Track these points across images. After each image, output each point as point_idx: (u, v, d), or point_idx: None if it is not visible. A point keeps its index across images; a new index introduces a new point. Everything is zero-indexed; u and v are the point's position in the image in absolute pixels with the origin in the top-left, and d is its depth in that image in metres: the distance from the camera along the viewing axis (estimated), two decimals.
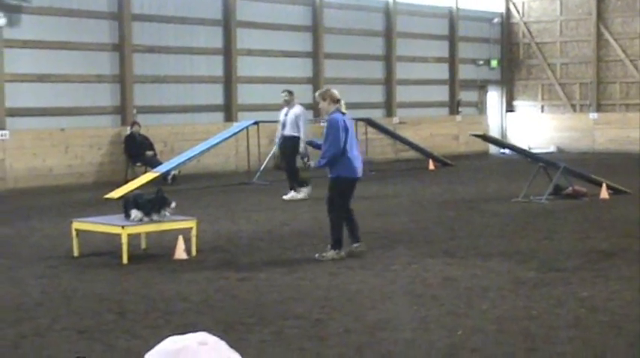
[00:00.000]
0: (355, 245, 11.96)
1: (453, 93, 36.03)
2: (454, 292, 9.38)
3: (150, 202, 11.95)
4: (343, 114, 12.24)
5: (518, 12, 38.27)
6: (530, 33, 37.99)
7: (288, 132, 19.21)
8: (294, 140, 18.84)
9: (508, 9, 38.34)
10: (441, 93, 35.68)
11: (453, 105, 35.98)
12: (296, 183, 18.93)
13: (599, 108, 36.43)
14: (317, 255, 11.62)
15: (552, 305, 8.78)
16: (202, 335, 1.62)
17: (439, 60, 35.53)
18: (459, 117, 35.60)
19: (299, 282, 10.05)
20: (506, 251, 11.98)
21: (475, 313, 8.41)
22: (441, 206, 17.49)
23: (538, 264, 10.96)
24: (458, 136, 33.45)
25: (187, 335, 1.63)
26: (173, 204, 12.73)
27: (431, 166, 26.94)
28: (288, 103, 19.53)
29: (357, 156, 12.03)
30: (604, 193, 18.23)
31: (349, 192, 12.06)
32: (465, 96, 36.60)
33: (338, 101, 12.34)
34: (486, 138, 25.58)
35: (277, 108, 28.05)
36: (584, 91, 36.89)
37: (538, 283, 9.82)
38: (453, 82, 36.02)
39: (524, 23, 38.12)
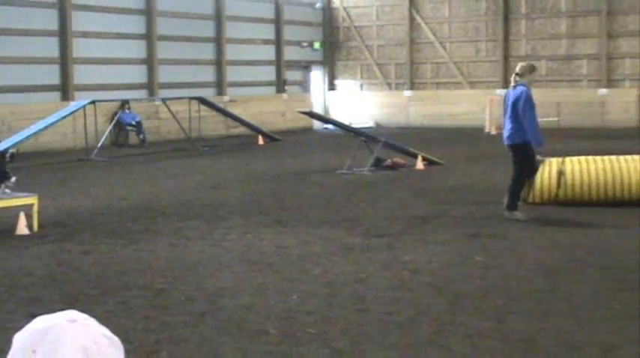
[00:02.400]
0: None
1: (279, 73, 36.16)
2: (287, 259, 9.38)
3: None
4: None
5: None
6: (349, 17, 38.44)
7: None
8: None
9: None
10: (269, 74, 35.76)
11: (280, 84, 36.14)
12: None
13: (413, 86, 37.29)
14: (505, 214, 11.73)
15: (378, 268, 8.91)
16: (71, 313, 1.54)
17: (266, 42, 35.54)
18: (285, 96, 35.77)
19: (140, 254, 9.82)
20: (333, 219, 12.06)
21: (308, 278, 8.45)
22: (271, 179, 17.50)
23: (363, 230, 11.09)
24: (284, 113, 33.57)
25: (56, 314, 1.54)
26: (13, 179, 12.22)
27: (260, 141, 26.96)
28: None
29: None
30: (420, 164, 18.62)
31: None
32: (290, 75, 36.79)
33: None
34: (312, 114, 25.84)
35: (114, 88, 27.67)
36: (399, 71, 37.67)
37: (364, 248, 9.93)
38: (279, 63, 36.13)
39: (344, 8, 38.53)
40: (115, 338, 1.59)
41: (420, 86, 37.32)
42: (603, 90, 33.97)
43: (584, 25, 34.61)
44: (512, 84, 12.06)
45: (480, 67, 36.35)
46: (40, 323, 1.55)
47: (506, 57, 35.74)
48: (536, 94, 34.32)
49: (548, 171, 12.96)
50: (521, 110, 11.54)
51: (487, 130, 30.64)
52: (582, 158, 13.41)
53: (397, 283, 8.22)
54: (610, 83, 34.08)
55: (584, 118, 33.07)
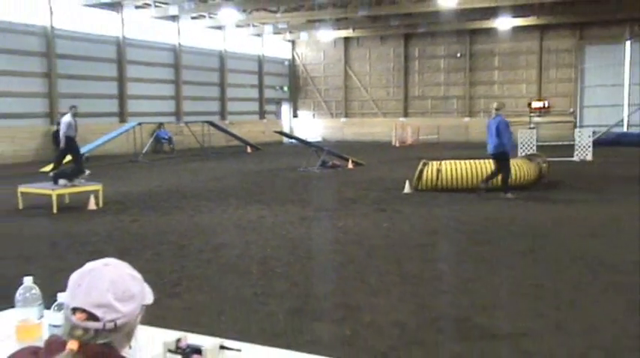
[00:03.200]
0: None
1: (261, 106, 36.09)
2: (265, 225, 9.35)
3: (71, 172, 11.38)
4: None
5: (299, 57, 38.61)
6: (306, 70, 38.42)
7: None
8: None
9: (293, 56, 38.65)
10: (254, 106, 35.67)
11: (261, 113, 36.07)
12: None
13: (347, 115, 37.40)
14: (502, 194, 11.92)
15: (322, 231, 8.92)
16: (107, 259, 1.53)
17: (253, 86, 35.46)
18: (265, 121, 35.69)
19: (169, 221, 9.72)
20: (295, 199, 12.05)
21: (278, 237, 8.41)
22: (255, 174, 17.42)
23: (314, 207, 11.09)
24: (264, 132, 33.44)
25: (97, 260, 1.52)
26: (87, 172, 12.09)
27: (249, 150, 26.80)
28: None
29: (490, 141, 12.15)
30: (350, 165, 18.69)
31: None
32: (268, 108, 36.73)
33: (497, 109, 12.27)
34: (282, 133, 25.73)
35: (154, 115, 27.36)
36: (337, 105, 37.75)
37: (314, 218, 9.93)
38: (261, 99, 36.06)
39: (303, 64, 38.52)
40: (137, 275, 1.56)
41: (351, 115, 37.42)
42: (467, 119, 34.32)
43: (454, 77, 34.94)
44: (493, 115, 12.19)
45: (390, 103, 36.57)
46: (85, 266, 1.53)
47: (406, 96, 35.99)
48: (424, 122, 34.52)
49: (430, 169, 13.05)
50: (502, 131, 11.84)
51: (394, 144, 30.79)
52: (453, 161, 13.54)
53: (334, 240, 8.24)
54: (471, 114, 34.44)
55: (455, 136, 33.41)
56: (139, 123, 23.16)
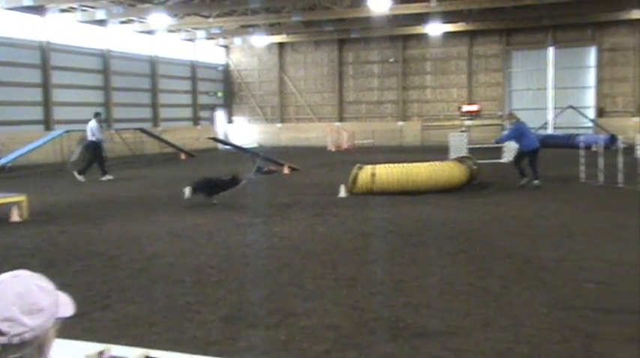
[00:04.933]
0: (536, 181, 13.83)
1: (195, 112, 35.69)
2: (199, 232, 9.26)
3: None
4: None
5: (233, 63, 38.41)
6: (240, 76, 38.25)
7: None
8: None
9: (227, 61, 38.42)
10: (188, 112, 35.24)
11: (195, 120, 35.67)
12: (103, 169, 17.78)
13: (282, 120, 37.43)
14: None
15: (258, 236, 8.89)
16: (17, 271, 1.47)
17: (186, 92, 35.03)
18: (199, 127, 35.31)
19: (100, 232, 9.48)
20: (230, 206, 11.95)
21: (212, 244, 8.35)
22: (189, 181, 17.12)
23: (250, 213, 11.04)
24: (198, 138, 33.06)
25: (6, 273, 1.48)
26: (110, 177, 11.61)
27: (183, 157, 26.45)
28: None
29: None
30: (286, 170, 18.70)
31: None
32: (202, 114, 36.36)
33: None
34: (216, 139, 25.51)
35: (82, 122, 26.61)
36: (273, 111, 37.74)
37: (250, 224, 9.89)
38: (195, 105, 35.66)
39: (237, 70, 38.34)
40: (49, 286, 1.50)
41: (287, 120, 37.48)
42: (401, 123, 34.92)
43: (388, 82, 35.51)
44: (519, 120, 14.91)
45: (325, 108, 36.82)
46: None
47: (341, 101, 36.32)
48: (359, 126, 34.89)
49: (365, 173, 13.21)
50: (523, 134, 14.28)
51: (329, 148, 31.00)
52: (388, 164, 13.75)
53: (270, 246, 8.23)
54: (404, 118, 35.07)
55: (390, 140, 33.96)
56: (67, 131, 22.46)
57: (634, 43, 31.05)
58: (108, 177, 17.39)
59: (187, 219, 10.47)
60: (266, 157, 19.28)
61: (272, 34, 33.66)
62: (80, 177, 17.28)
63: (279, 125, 37.28)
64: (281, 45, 36.74)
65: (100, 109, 18.82)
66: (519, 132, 14.23)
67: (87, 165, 17.81)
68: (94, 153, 17.67)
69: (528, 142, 14.05)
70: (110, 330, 4.86)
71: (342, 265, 6.98)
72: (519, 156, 14.53)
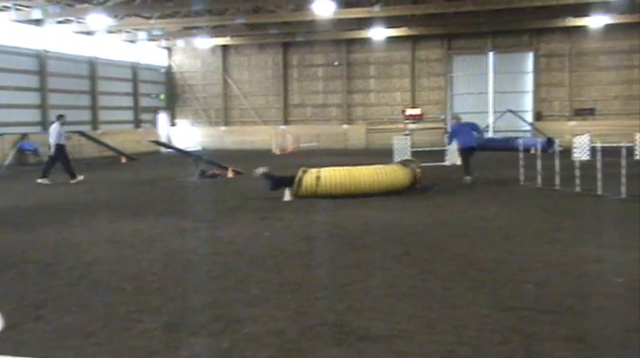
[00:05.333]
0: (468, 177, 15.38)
1: (137, 115, 35.04)
2: (140, 238, 9.05)
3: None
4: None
5: (176, 65, 37.92)
6: (183, 77, 37.81)
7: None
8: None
9: (170, 63, 37.90)
10: (129, 115, 34.58)
11: (137, 122, 35.04)
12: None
13: (227, 123, 37.16)
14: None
15: (202, 242, 8.77)
16: None
17: (127, 94, 34.35)
18: (141, 130, 34.69)
19: (36, 238, 9.15)
20: (173, 211, 11.77)
21: (154, 250, 8.17)
22: (130, 185, 16.86)
23: (193, 217, 10.88)
24: (140, 141, 32.45)
25: None
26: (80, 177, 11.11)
27: (123, 160, 25.91)
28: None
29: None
30: (230, 174, 18.54)
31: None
32: (144, 117, 35.75)
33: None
34: (158, 142, 25.13)
35: (18, 124, 25.73)
36: (217, 113, 37.43)
37: (193, 229, 9.75)
38: (136, 108, 35.02)
39: (180, 72, 37.87)
40: None
41: (231, 123, 37.26)
42: (345, 126, 35.17)
43: (333, 85, 35.72)
44: (460, 121, 16.63)
45: (269, 111, 36.76)
46: None
47: (286, 104, 36.32)
48: (304, 129, 35.06)
49: (310, 176, 13.21)
50: (476, 129, 16.13)
51: (274, 152, 30.93)
52: (332, 168, 13.78)
53: (214, 251, 8.12)
54: (349, 121, 35.33)
55: (334, 144, 34.16)
56: (1, 135, 21.70)
57: (569, 49, 32.19)
58: (79, 178, 17.76)
59: (128, 225, 10.23)
60: (210, 161, 19.09)
61: (215, 37, 33.39)
62: (43, 180, 17.30)
63: (223, 128, 36.98)
64: (225, 47, 36.48)
65: (62, 112, 18.79)
66: (455, 132, 16.06)
67: (48, 167, 17.79)
68: (59, 157, 17.64)
69: (462, 140, 15.69)
70: (45, 342, 4.68)
71: (287, 269, 6.94)
72: (460, 154, 16.16)
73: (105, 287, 6.40)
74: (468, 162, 15.62)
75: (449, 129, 21.74)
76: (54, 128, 17.59)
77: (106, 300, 5.90)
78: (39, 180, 17.21)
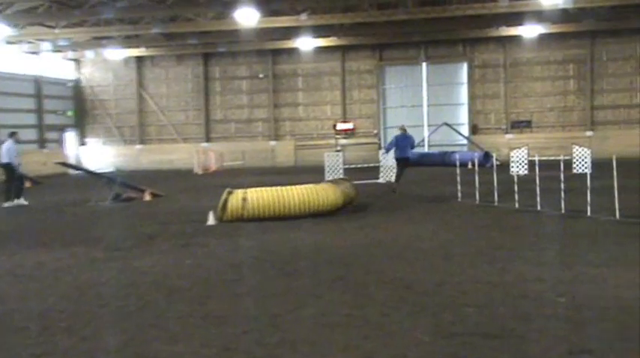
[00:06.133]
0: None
1: (41, 134, 34.01)
2: (47, 271, 8.70)
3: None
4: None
5: (85, 78, 37.07)
6: (94, 92, 37.00)
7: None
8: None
9: (78, 77, 37.03)
10: (33, 134, 33.48)
11: (42, 142, 34.00)
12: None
13: (143, 141, 36.54)
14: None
15: (116, 273, 8.50)
16: None
17: (30, 111, 33.30)
18: (46, 151, 33.64)
19: None
20: (83, 239, 11.38)
21: (62, 284, 7.86)
22: (36, 212, 16.24)
23: (105, 246, 10.55)
24: (46, 163, 31.38)
25: None
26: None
27: (27, 184, 24.94)
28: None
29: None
30: (148, 196, 18.20)
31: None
32: (50, 135, 34.71)
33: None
34: (65, 164, 24.38)
35: None
36: (131, 131, 36.75)
37: (106, 260, 9.45)
38: (41, 126, 34.00)
39: (89, 86, 37.04)
40: None
41: (147, 141, 36.67)
42: (273, 143, 35.20)
43: (258, 99, 35.76)
44: (403, 132, 17.90)
45: (190, 127, 36.42)
46: None
47: (207, 120, 36.08)
48: (228, 147, 34.98)
49: (236, 198, 13.11)
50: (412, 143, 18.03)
51: (196, 171, 30.56)
52: (260, 188, 13.73)
53: (129, 283, 7.90)
54: (277, 137, 35.39)
55: (261, 161, 34.12)
56: None
57: (503, 59, 33.41)
58: (19, 202, 17.78)
59: (32, 256, 9.83)
60: (124, 183, 18.67)
61: (129, 47, 32.85)
62: (18, 201, 17.74)
63: (138, 147, 36.31)
64: (140, 59, 35.94)
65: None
66: (393, 143, 17.88)
67: (9, 188, 17.97)
68: (10, 176, 17.85)
69: (398, 152, 17.64)
70: None
71: (211, 301, 6.82)
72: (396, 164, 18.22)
73: (6, 327, 6.11)
74: (401, 172, 17.78)
75: (383, 145, 22.63)
76: (6, 146, 17.70)
77: (8, 343, 5.64)
78: (13, 202, 17.56)
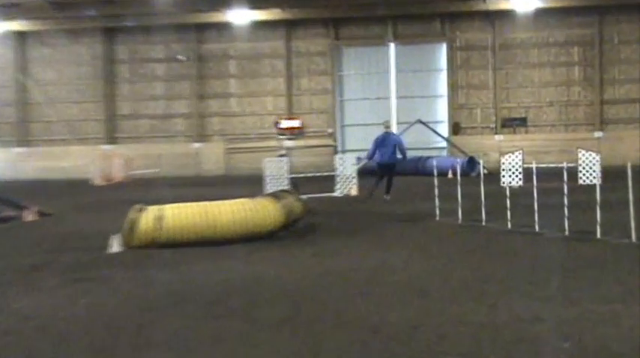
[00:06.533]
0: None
1: None
2: None
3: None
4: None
5: None
6: None
7: None
8: None
9: None
10: None
11: None
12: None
13: (25, 142, 35.96)
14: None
15: None
16: None
17: None
18: None
19: None
20: None
21: None
22: None
23: None
24: None
25: None
26: None
27: None
28: None
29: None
30: (32, 216, 17.95)
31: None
32: None
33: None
34: None
35: None
36: (10, 129, 36.14)
37: None
38: None
39: None
40: None
41: (31, 143, 36.13)
42: (197, 145, 35.09)
43: (178, 88, 35.64)
44: (386, 130, 19.57)
45: (87, 125, 36.03)
46: None
47: (111, 115, 35.70)
48: (139, 150, 34.98)
49: (149, 216, 12.97)
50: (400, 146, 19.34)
51: (95, 182, 30.17)
52: (180, 204, 13.63)
53: (7, 329, 7.71)
54: (202, 138, 35.27)
55: (182, 169, 33.95)
56: None
57: (491, 40, 33.98)
58: None
59: None
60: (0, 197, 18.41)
61: (5, 19, 32.34)
62: None
63: (19, 150, 35.72)
64: (21, 34, 35.42)
65: None
66: (375, 144, 19.01)
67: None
68: None
69: (379, 156, 18.91)
70: None
71: (114, 352, 6.73)
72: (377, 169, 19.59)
73: None
74: (381, 180, 18.45)
75: (340, 148, 22.96)
76: None
77: None
78: None
